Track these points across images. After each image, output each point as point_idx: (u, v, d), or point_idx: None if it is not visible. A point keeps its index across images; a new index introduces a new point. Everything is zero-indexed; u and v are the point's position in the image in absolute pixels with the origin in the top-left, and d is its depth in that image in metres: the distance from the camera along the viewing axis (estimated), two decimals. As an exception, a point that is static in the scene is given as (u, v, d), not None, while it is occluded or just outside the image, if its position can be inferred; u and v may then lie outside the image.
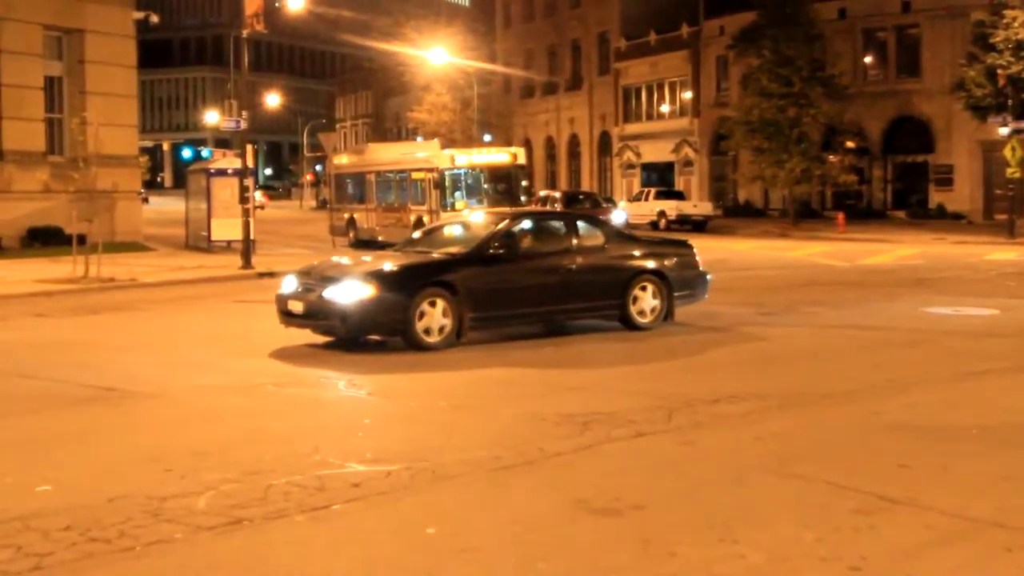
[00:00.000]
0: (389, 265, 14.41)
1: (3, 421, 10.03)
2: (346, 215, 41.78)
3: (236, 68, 43.07)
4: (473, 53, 71.30)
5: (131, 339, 16.01)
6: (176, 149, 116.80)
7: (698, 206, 54.12)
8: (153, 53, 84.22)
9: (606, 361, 13.32)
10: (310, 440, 8.92)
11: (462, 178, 35.70)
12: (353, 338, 13.90)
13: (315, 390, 11.52)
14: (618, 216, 46.06)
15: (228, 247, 33.78)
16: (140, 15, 39.29)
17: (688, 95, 66.40)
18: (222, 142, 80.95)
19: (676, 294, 15.82)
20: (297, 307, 14.00)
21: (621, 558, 6.17)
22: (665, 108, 68.79)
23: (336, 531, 6.69)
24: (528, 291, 14.74)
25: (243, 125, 32.01)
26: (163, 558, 6.17)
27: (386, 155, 41.11)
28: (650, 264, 15.76)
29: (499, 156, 36.86)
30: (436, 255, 14.93)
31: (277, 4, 52.59)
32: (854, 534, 6.48)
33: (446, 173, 35.10)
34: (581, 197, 52.69)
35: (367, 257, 16.16)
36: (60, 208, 31.75)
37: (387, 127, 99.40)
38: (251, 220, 29.38)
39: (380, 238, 37.69)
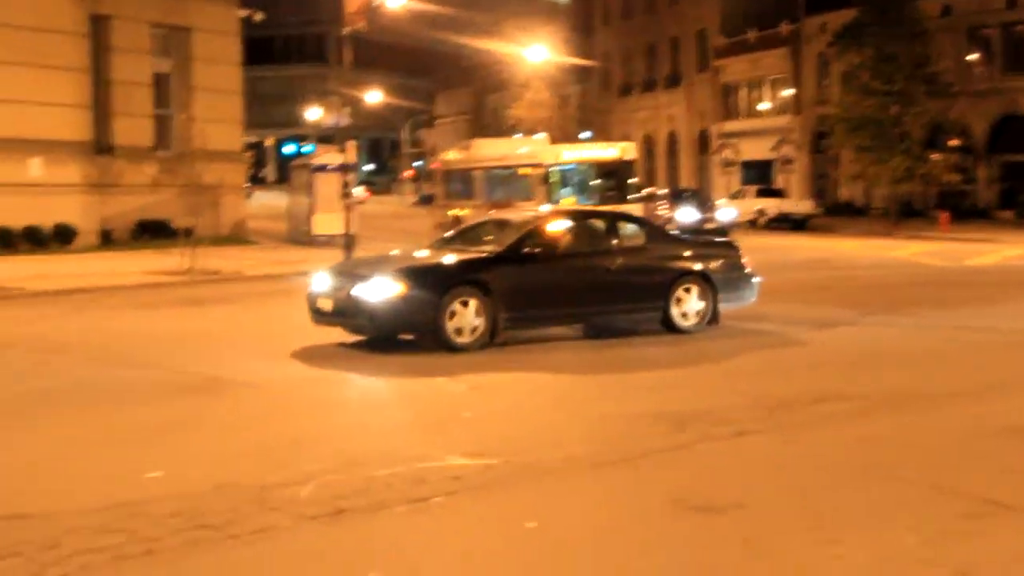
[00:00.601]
0: (419, 262, 14.31)
1: (114, 409, 10.28)
2: (452, 213, 40.67)
3: (338, 65, 43.55)
4: (572, 50, 71.18)
5: (235, 330, 16.31)
6: (279, 145, 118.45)
7: (798, 204, 53.44)
8: (257, 50, 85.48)
9: (687, 360, 13.10)
10: (411, 432, 9.03)
11: (569, 174, 34.89)
12: (383, 337, 13.68)
13: (416, 383, 11.61)
14: (725, 214, 45.30)
15: (330, 241, 34.19)
16: (245, 13, 39.99)
17: (788, 92, 65.63)
18: (324, 138, 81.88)
19: (721, 296, 15.21)
20: (327, 305, 13.81)
21: (721, 557, 6.14)
22: (765, 105, 68.05)
23: (436, 523, 6.76)
24: (566, 291, 14.34)
25: (345, 121, 32.45)
26: (268, 546, 6.28)
27: (492, 151, 40.28)
28: (694, 265, 15.19)
29: (608, 151, 36.12)
30: (469, 253, 14.50)
31: (378, 2, 52.98)
32: (961, 538, 6.37)
33: (553, 169, 34.39)
34: (686, 194, 52.00)
35: (401, 253, 15.99)
36: (168, 202, 32.50)
37: (486, 123, 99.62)
38: (352, 215, 29.71)
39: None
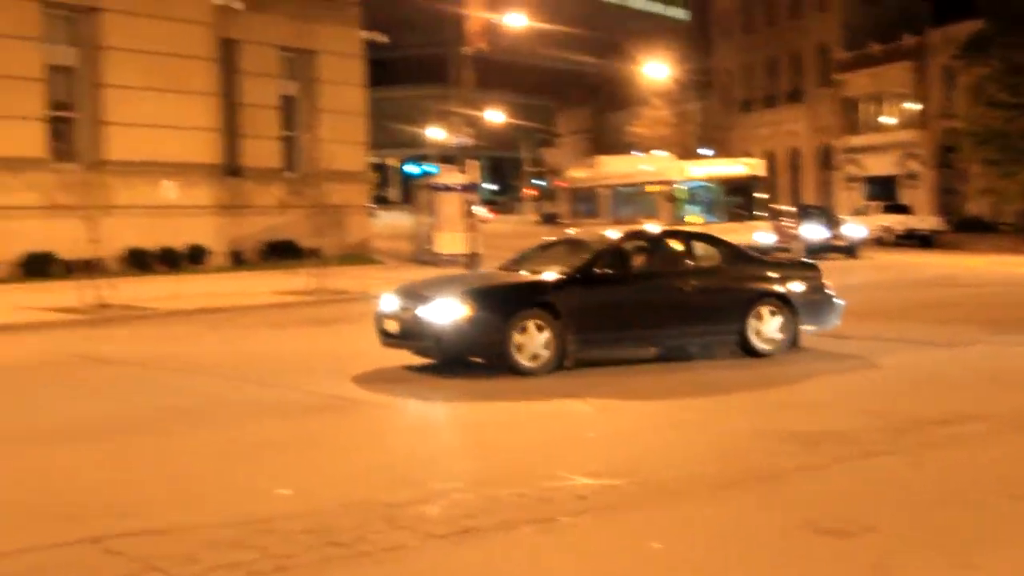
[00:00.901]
0: (487, 284, 14.11)
1: (245, 426, 10.53)
2: (575, 231, 41.18)
3: (460, 85, 43.83)
4: (692, 67, 70.81)
5: (362, 350, 16.50)
6: (403, 165, 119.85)
7: (925, 220, 52.26)
8: (381, 72, 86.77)
9: (797, 380, 12.94)
10: (536, 452, 9.06)
11: (696, 191, 34.42)
12: (449, 360, 13.46)
13: (539, 403, 11.64)
14: (854, 230, 44.31)
15: (453, 260, 34.46)
16: (369, 35, 40.63)
17: (912, 106, 64.35)
18: (447, 158, 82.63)
19: (802, 319, 14.70)
20: (393, 326, 13.64)
21: (852, 581, 6.06)
22: (888, 120, 66.81)
23: (563, 543, 6.77)
24: (638, 314, 13.98)
25: (467, 141, 32.73)
26: (397, 564, 6.35)
27: (618, 168, 40.00)
28: (773, 286, 14.71)
29: (736, 168, 35.71)
30: (537, 275, 14.23)
31: (499, 22, 53.40)
32: (1102, 565, 6.20)
33: (679, 185, 33.95)
34: (813, 211, 50.94)
35: (470, 274, 15.96)
36: (294, 223, 33.11)
37: (607, 142, 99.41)
38: (475, 234, 29.94)
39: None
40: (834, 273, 28.28)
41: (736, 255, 15.36)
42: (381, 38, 41.87)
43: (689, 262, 14.68)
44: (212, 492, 7.97)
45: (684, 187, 34.00)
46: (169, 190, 32.10)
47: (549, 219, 66.61)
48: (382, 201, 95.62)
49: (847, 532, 6.81)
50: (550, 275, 14.05)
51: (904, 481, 8.15)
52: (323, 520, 7.05)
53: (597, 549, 6.66)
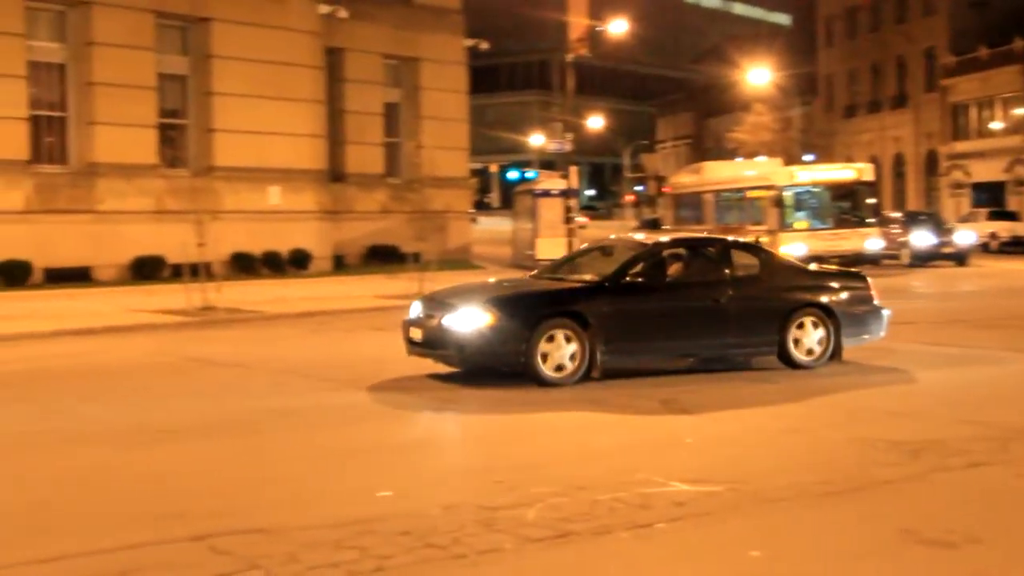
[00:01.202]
0: (512, 292, 13.81)
1: (346, 428, 10.67)
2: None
3: (561, 91, 43.95)
4: (794, 72, 70.01)
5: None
6: (503, 171, 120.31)
7: (1031, 227, 50.98)
8: (482, 78, 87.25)
9: (897, 388, 12.76)
10: (633, 457, 9.04)
11: (803, 196, 33.58)
12: (472, 369, 13.17)
13: (636, 408, 11.60)
14: (963, 237, 43.34)
15: (552, 266, 34.54)
16: (471, 42, 40.93)
17: (1022, 111, 62.86)
18: (547, 164, 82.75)
19: (845, 331, 14.19)
20: (417, 335, 13.38)
21: (955, 593, 5.96)
22: (996, 125, 65.35)
23: (660, 549, 6.75)
24: (672, 324, 13.58)
25: (567, 147, 32.78)
26: (494, 567, 6.38)
27: (723, 173, 39.23)
28: (815, 297, 14.24)
29: (844, 172, 34.82)
30: (566, 283, 14.01)
31: (600, 29, 53.34)
32: None
33: (786, 190, 33.02)
34: (921, 218, 49.74)
35: (497, 281, 15.52)
36: (396, 227, 33.53)
37: (707, 147, 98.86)
38: (575, 239, 29.98)
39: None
40: (945, 281, 27.71)
41: (776, 264, 15.00)
42: (483, 45, 42.12)
43: (726, 271, 14.17)
44: (313, 493, 8.07)
45: (791, 192, 33.13)
46: (274, 195, 32.65)
47: (649, 225, 66.27)
48: (483, 207, 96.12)
49: (950, 543, 6.69)
50: (579, 283, 13.87)
51: (1010, 493, 7.99)
52: (421, 522, 7.11)
53: (694, 556, 6.63)
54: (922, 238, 39.79)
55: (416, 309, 13.83)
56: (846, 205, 33.59)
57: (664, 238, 15.77)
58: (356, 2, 36.10)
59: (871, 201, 34.60)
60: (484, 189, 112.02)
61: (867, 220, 33.44)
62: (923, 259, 38.41)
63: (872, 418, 10.86)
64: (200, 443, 10.03)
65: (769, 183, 33.67)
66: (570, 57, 33.10)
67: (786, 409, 11.56)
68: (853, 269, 16.41)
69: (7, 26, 28.06)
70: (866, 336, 14.69)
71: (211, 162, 31.82)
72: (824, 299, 14.26)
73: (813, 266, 16.23)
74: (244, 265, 31.27)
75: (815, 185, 33.67)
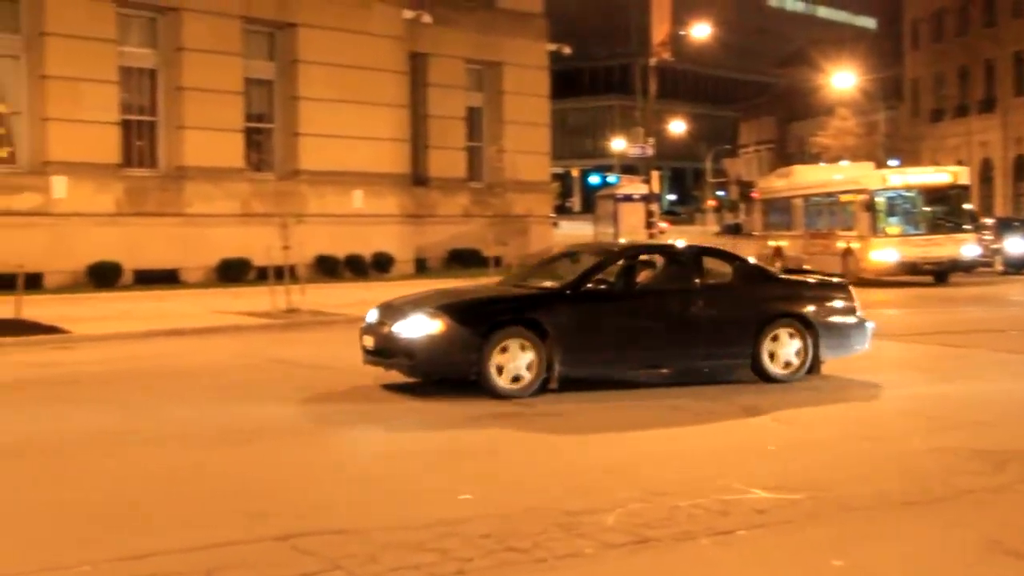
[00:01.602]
0: (465, 298, 13.31)
1: (431, 431, 10.78)
2: (772, 243, 38.87)
3: (643, 96, 43.78)
4: (879, 76, 69.11)
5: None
6: (584, 175, 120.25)
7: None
8: (564, 83, 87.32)
9: (993, 397, 12.49)
10: (714, 464, 9.01)
11: (895, 200, 32.34)
12: (424, 379, 12.79)
13: (717, 414, 11.54)
14: None
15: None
16: (553, 47, 41.00)
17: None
18: (628, 168, 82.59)
19: (825, 343, 13.55)
20: (369, 342, 12.96)
21: (1041, 607, 5.87)
22: (1090, 129, 63.94)
23: (741, 557, 6.72)
24: (637, 334, 13.01)
25: (649, 152, 32.72)
26: (573, 572, 6.39)
27: (813, 177, 38.08)
28: (792, 307, 13.59)
29: (939, 176, 33.69)
30: (525, 289, 13.42)
31: (683, 33, 53.13)
32: None
33: (877, 195, 31.87)
34: (1016, 224, 47.84)
35: (459, 288, 15.14)
36: (478, 231, 33.68)
37: (790, 152, 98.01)
38: (655, 245, 29.93)
39: (806, 267, 35.90)
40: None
41: (752, 272, 14.36)
42: (565, 50, 42.15)
43: (697, 279, 13.51)
44: (394, 495, 8.15)
45: (883, 197, 32.03)
46: (358, 199, 32.98)
47: (731, 230, 65.80)
48: (564, 211, 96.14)
49: (1037, 556, 6.60)
50: (538, 290, 13.32)
51: (1101, 506, 7.84)
52: (502, 525, 7.14)
53: (775, 564, 6.59)
54: (1016, 245, 38.81)
55: (372, 315, 13.39)
56: (941, 210, 32.45)
57: (633, 243, 15.47)
58: (440, 7, 36.36)
59: (967, 206, 33.32)
60: (565, 193, 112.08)
61: (963, 226, 32.33)
62: (1017, 266, 37.59)
63: (955, 427, 10.71)
64: (284, 443, 10.18)
65: (859, 187, 32.74)
66: (653, 61, 33.02)
67: (868, 417, 11.44)
68: (836, 279, 15.40)
69: (101, 32, 28.67)
70: (848, 349, 14.05)
71: (296, 166, 32.22)
72: (802, 309, 13.64)
73: (810, 276, 15.52)
74: (327, 268, 31.60)
75: (908, 189, 32.51)
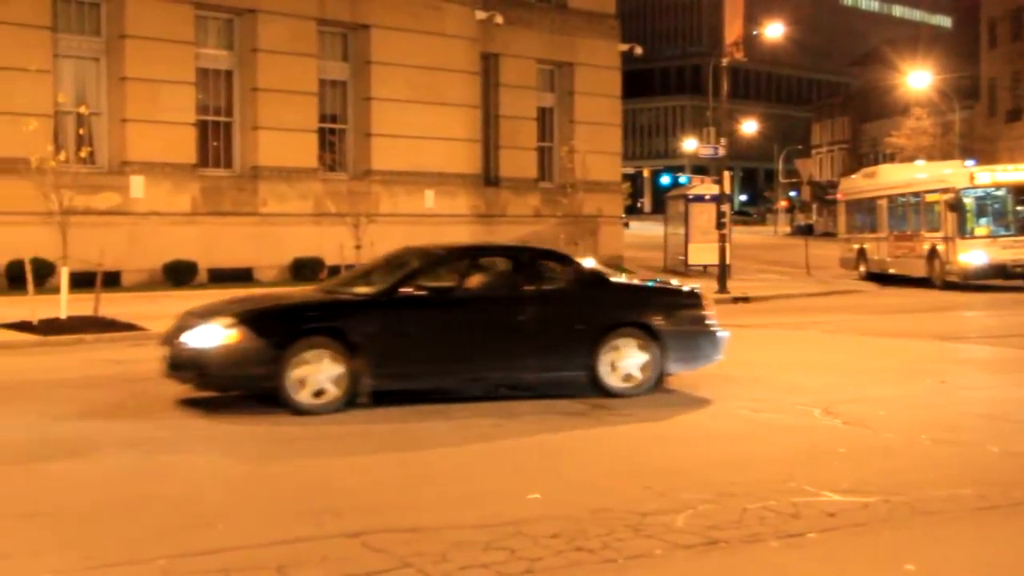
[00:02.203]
0: (262, 305, 12.48)
1: (499, 431, 10.78)
2: (856, 245, 37.80)
3: (715, 96, 43.52)
4: (955, 75, 68.09)
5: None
6: (655, 175, 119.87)
7: None
8: (635, 83, 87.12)
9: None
10: (784, 466, 8.97)
11: (984, 200, 30.81)
12: (220, 392, 11.88)
13: (788, 417, 11.47)
14: None
15: (704, 271, 34.37)
16: (625, 47, 40.92)
17: None
18: (699, 168, 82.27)
19: (672, 355, 12.64)
20: (164, 352, 11.90)
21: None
22: None
23: (811, 560, 6.69)
24: (457, 344, 12.10)
25: (721, 152, 32.51)
26: (642, 572, 6.41)
27: (898, 176, 36.44)
28: (635, 316, 12.69)
29: None
30: (333, 296, 12.56)
31: (756, 33, 52.76)
32: None
33: (964, 194, 30.35)
34: None
35: (263, 295, 14.37)
36: (549, 231, 33.69)
37: (863, 153, 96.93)
38: (727, 245, 29.75)
39: (891, 271, 34.52)
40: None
41: (591, 278, 13.37)
42: (638, 50, 42.05)
43: (528, 284, 12.71)
44: (464, 493, 8.20)
45: (970, 196, 30.53)
46: (429, 199, 33.17)
47: (802, 231, 65.23)
48: (634, 211, 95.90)
49: (1115, 564, 6.51)
50: (347, 296, 12.46)
51: None
52: (571, 525, 7.16)
53: (847, 568, 6.55)
54: None
55: (171, 325, 12.33)
56: None
57: (462, 245, 14.32)
58: (512, 8, 36.45)
59: None
60: (636, 194, 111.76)
61: None
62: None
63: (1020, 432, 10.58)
64: (354, 441, 10.28)
65: (946, 185, 31.27)
66: (725, 61, 32.78)
67: (941, 420, 11.29)
68: (687, 286, 14.28)
69: (179, 34, 29.09)
70: (698, 362, 13.19)
71: (368, 166, 32.46)
72: (646, 318, 12.71)
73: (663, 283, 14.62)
74: (398, 267, 31.78)
75: (997, 187, 30.89)
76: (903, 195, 34.71)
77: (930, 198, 32.29)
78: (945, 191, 30.98)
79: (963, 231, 30.28)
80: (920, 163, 42.98)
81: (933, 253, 31.32)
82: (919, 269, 32.39)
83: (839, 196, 42.04)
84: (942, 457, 9.53)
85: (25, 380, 14.23)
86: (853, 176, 42.74)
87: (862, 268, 36.84)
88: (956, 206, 30.36)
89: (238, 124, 30.97)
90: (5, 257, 25.14)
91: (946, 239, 30.82)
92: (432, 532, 7.02)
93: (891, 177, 36.88)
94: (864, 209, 37.94)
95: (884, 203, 35.83)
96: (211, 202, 29.85)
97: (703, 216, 35.35)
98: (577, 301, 12.76)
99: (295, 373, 11.21)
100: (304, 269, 30.11)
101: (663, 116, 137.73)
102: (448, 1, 34.01)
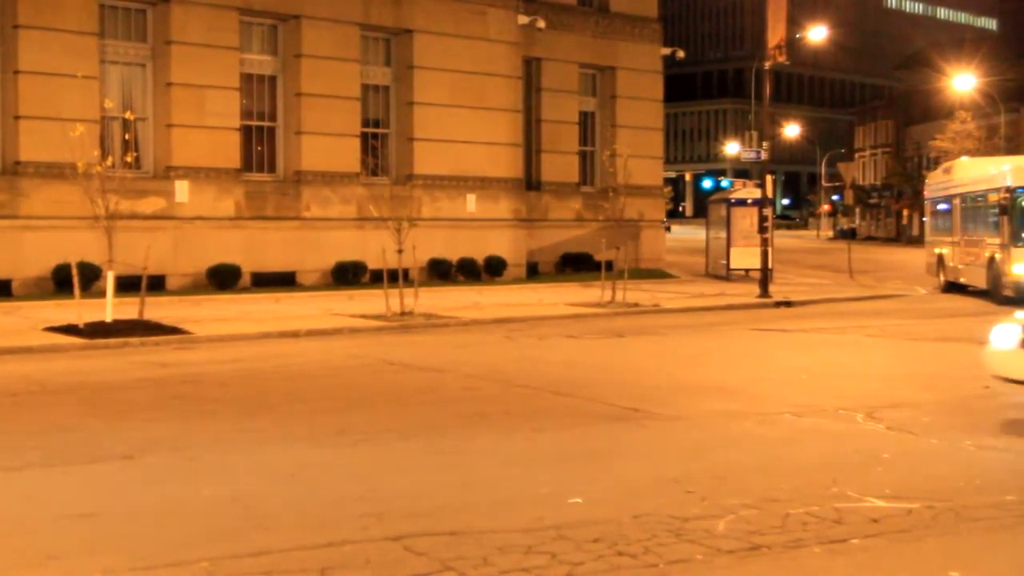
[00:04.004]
0: None
1: (539, 435, 10.81)
2: (936, 250, 33.57)
3: (757, 99, 43.39)
4: (1001, 78, 67.46)
5: (654, 362, 16.63)
6: (697, 179, 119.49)
7: None
8: (677, 86, 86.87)
9: None
10: (827, 471, 8.93)
11: None
12: None
13: (831, 421, 11.42)
14: None
15: (746, 275, 34.24)
16: (667, 51, 40.87)
17: None
18: (741, 172, 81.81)
19: None
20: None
21: None
22: None
23: (854, 566, 6.67)
24: None
25: (763, 156, 32.38)
26: (684, 577, 6.41)
27: (972, 173, 31.36)
28: None
29: None
30: None
31: (798, 36, 52.50)
32: None
33: (1018, 193, 26.45)
34: None
35: None
36: (590, 236, 33.72)
37: (907, 156, 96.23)
38: (769, 249, 29.61)
39: (961, 280, 30.76)
40: None
41: None
42: (680, 54, 41.97)
43: None
44: (506, 498, 8.22)
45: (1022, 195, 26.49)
46: (471, 203, 33.25)
47: (845, 235, 64.73)
48: (675, 215, 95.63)
49: None
50: None
51: None
52: (612, 529, 7.18)
53: (888, 574, 6.53)
54: None
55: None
56: None
57: None
58: (555, 12, 36.51)
59: None
60: (678, 198, 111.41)
61: None
62: None
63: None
64: (398, 445, 10.33)
65: (996, 184, 27.50)
66: (767, 65, 32.65)
67: (985, 427, 11.21)
68: None
69: (224, 40, 29.32)
70: None
71: (411, 170, 32.59)
72: None
73: None
74: (440, 271, 31.88)
75: None
76: (972, 194, 30.41)
77: (992, 197, 28.15)
78: (999, 190, 27.20)
79: (1017, 238, 26.43)
80: (1006, 157, 38.77)
81: (992, 262, 27.60)
82: (981, 280, 28.77)
83: (925, 193, 37.61)
84: (987, 463, 9.46)
85: (72, 383, 14.39)
86: (936, 170, 38.57)
87: (941, 277, 32.99)
88: (1010, 208, 26.53)
89: (282, 129, 31.17)
90: (52, 261, 25.43)
91: (1002, 246, 27.03)
92: (474, 536, 7.04)
93: (965, 173, 32.12)
94: (943, 209, 33.73)
95: (957, 203, 31.60)
96: (255, 206, 30.05)
97: (745, 220, 35.22)
98: None
99: None
100: (346, 273, 30.27)
101: (705, 120, 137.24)
102: (491, 5, 34.09)
